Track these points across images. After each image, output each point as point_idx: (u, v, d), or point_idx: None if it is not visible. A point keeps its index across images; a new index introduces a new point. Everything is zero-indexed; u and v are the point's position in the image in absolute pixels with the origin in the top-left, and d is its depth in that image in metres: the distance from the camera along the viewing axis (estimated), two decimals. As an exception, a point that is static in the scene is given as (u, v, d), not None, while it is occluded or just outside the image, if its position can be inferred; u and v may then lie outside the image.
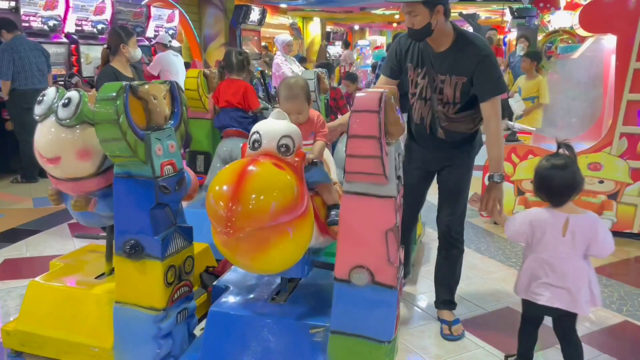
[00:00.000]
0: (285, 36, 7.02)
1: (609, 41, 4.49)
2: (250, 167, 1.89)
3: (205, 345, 2.32)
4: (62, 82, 6.99)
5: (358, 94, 1.96)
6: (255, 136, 2.11)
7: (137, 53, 4.22)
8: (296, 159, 2.09)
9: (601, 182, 4.25)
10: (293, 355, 2.23)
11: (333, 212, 2.33)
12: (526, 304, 2.42)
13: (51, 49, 6.83)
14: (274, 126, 2.12)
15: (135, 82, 2.21)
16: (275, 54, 9.31)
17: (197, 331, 2.63)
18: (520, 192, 4.47)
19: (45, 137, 2.29)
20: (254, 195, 1.82)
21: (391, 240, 2.01)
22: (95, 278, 2.70)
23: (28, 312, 2.60)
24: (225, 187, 1.84)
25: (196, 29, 12.77)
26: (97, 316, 2.48)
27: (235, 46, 13.79)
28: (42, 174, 6.32)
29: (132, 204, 2.25)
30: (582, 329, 2.90)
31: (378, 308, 2.05)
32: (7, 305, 3.16)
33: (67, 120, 2.26)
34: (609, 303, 3.21)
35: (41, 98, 2.33)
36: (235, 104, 3.76)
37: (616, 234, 4.21)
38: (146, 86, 2.24)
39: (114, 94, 2.07)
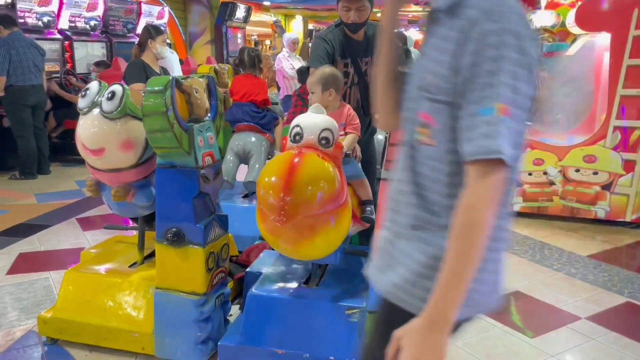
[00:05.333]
0: (292, 34, 7.11)
1: (601, 39, 4.71)
2: (297, 159, 2.01)
3: (244, 327, 2.43)
4: (57, 79, 6.97)
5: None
6: (297, 129, 2.19)
7: (164, 51, 4.32)
8: (336, 150, 2.20)
9: (595, 173, 4.46)
10: (330, 335, 2.35)
11: (368, 209, 2.47)
12: None
13: (45, 45, 6.81)
14: (314, 120, 2.21)
15: (180, 76, 2.31)
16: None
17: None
18: (518, 184, 4.66)
19: (90, 130, 2.37)
20: (303, 186, 1.95)
21: (426, 224, 2.15)
22: (129, 267, 2.78)
23: (65, 300, 2.67)
24: (275, 179, 1.96)
25: (181, 26, 12.74)
26: (136, 303, 2.57)
27: (221, 44, 13.81)
28: (41, 170, 6.33)
29: (175, 193, 2.34)
30: (588, 309, 3.10)
31: (414, 288, 2.19)
32: (32, 297, 3.21)
33: (113, 113, 2.34)
34: (610, 286, 3.41)
35: (84, 92, 2.41)
36: (252, 97, 3.86)
37: (610, 222, 4.49)
38: (189, 80, 2.34)
39: (162, 87, 2.17)
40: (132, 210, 2.69)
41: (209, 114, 2.45)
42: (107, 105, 2.35)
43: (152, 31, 4.27)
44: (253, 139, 3.78)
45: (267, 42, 22.93)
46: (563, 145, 4.59)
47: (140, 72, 4.04)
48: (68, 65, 7.40)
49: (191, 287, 2.40)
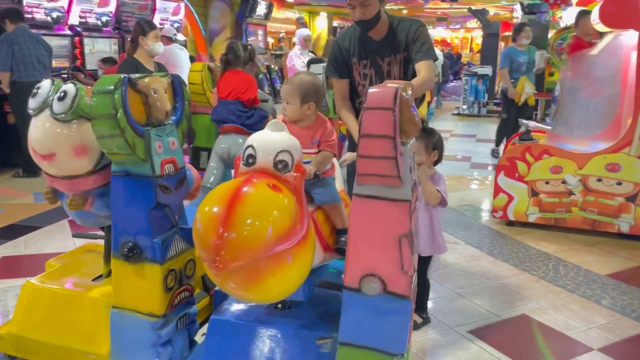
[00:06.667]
0: (304, 30, 6.84)
1: (629, 37, 4.32)
2: (244, 189, 1.71)
3: (206, 354, 2.20)
4: (65, 75, 6.87)
5: (371, 90, 1.82)
6: (250, 151, 1.90)
7: (158, 47, 4.14)
8: (295, 174, 1.89)
9: (619, 183, 4.10)
10: (299, 366, 2.11)
11: (342, 239, 2.17)
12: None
13: (54, 42, 6.73)
14: (270, 139, 1.91)
15: (135, 75, 2.08)
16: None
17: (198, 336, 2.51)
18: (534, 193, 4.32)
19: (40, 133, 2.16)
20: (245, 226, 1.62)
21: (405, 247, 1.87)
22: (93, 280, 2.58)
23: (22, 315, 2.49)
24: (213, 216, 1.65)
25: (202, 23, 12.63)
26: (94, 321, 2.36)
27: (241, 40, 13.66)
28: (44, 168, 6.23)
29: (131, 204, 2.12)
30: (603, 339, 2.77)
31: (390, 319, 1.92)
32: (2, 306, 3.05)
33: (63, 115, 2.12)
34: (630, 312, 3.07)
35: (36, 91, 2.19)
36: (238, 95, 3.63)
37: (634, 237, 4.12)
38: (146, 79, 2.11)
39: (112, 87, 1.94)
40: (94, 220, 2.47)
41: (171, 117, 2.22)
42: (58, 107, 2.14)
43: (145, 27, 4.11)
44: (240, 140, 3.52)
45: (295, 39, 22.74)
46: (584, 152, 4.24)
47: (131, 71, 3.86)
48: (78, 62, 7.30)
49: (148, 308, 2.17)
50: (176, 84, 2.27)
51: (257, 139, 1.92)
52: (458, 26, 25.56)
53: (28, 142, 2.22)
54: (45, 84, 2.20)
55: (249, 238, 1.63)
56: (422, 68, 2.76)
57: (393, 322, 1.92)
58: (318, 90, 2.24)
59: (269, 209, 1.70)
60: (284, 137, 1.92)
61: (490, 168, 6.94)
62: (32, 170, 6.08)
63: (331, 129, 2.27)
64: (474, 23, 25.03)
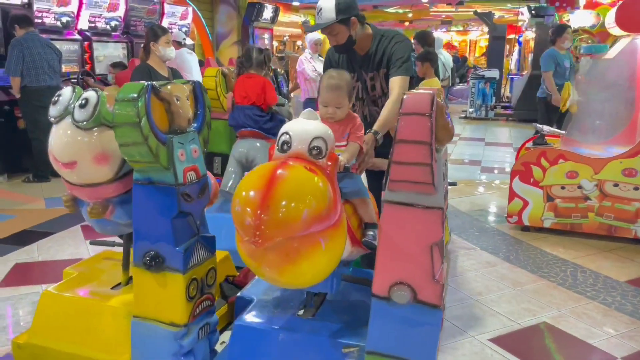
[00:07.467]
0: (314, 34, 6.76)
1: (645, 41, 4.30)
2: (280, 171, 1.76)
3: (229, 362, 2.18)
4: (75, 80, 6.86)
5: (406, 96, 1.80)
6: (285, 137, 1.95)
7: (170, 52, 4.13)
8: (328, 162, 1.94)
9: (636, 188, 4.05)
10: (324, 376, 2.08)
11: (370, 233, 2.18)
12: None
13: (64, 46, 6.72)
14: (305, 127, 1.97)
15: (158, 82, 2.06)
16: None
17: (218, 345, 2.48)
18: (549, 198, 4.28)
19: (61, 141, 2.14)
20: (284, 202, 1.69)
21: (436, 255, 1.85)
22: (111, 288, 2.55)
23: (41, 324, 2.46)
24: (253, 193, 1.71)
25: (208, 27, 12.64)
26: (113, 330, 2.33)
27: (247, 44, 13.64)
28: (55, 173, 6.18)
29: (153, 212, 2.09)
30: (625, 347, 2.73)
31: (420, 329, 1.89)
32: (17, 314, 3.02)
33: (84, 122, 2.11)
34: (652, 319, 3.03)
35: (57, 98, 2.18)
36: (253, 100, 3.62)
37: (653, 244, 4.08)
38: (169, 86, 2.08)
39: (135, 95, 1.92)
40: (114, 228, 2.45)
41: (193, 124, 2.20)
42: (80, 114, 2.12)
43: (156, 32, 4.11)
44: (257, 144, 3.53)
45: (299, 42, 22.66)
46: (600, 157, 4.19)
47: (144, 77, 3.85)
48: (87, 67, 7.29)
49: (170, 317, 2.14)
50: (197, 90, 2.24)
51: (293, 126, 1.97)
52: (444, 29, 25.46)
53: (48, 149, 2.20)
54: (67, 91, 2.19)
55: (287, 216, 1.68)
56: (395, 85, 2.78)
57: (422, 332, 1.90)
58: (353, 85, 2.47)
59: (305, 188, 1.75)
60: (319, 125, 1.98)
61: (496, 172, 6.91)
62: (42, 175, 6.07)
63: (360, 124, 2.38)
64: (459, 26, 25.05)
